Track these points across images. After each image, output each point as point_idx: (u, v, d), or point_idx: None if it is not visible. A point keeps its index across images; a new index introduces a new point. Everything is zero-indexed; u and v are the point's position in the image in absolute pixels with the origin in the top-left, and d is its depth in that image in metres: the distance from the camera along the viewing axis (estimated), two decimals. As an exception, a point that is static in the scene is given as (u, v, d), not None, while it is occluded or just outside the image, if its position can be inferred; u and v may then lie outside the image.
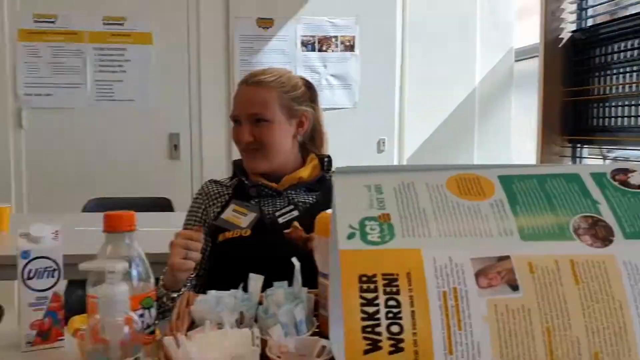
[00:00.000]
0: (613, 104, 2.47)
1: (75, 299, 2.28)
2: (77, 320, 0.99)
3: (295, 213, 1.42)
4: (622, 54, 2.40)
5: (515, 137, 3.76)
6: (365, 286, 0.59)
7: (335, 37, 3.58)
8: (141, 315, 0.78)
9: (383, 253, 0.62)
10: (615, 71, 2.45)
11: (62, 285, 1.08)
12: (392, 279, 0.60)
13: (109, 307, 0.67)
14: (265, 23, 3.52)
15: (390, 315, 0.58)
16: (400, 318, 0.58)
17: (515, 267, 0.61)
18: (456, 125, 3.73)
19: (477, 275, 0.60)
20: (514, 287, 0.60)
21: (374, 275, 0.60)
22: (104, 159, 3.46)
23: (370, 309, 0.58)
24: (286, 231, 1.26)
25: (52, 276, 1.07)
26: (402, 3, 3.66)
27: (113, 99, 3.45)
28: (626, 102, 2.38)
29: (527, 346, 0.57)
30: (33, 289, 1.06)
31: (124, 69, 3.45)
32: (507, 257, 0.61)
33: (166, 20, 3.47)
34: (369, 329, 0.57)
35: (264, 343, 0.76)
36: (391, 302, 0.59)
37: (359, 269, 0.60)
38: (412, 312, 0.58)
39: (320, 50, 3.58)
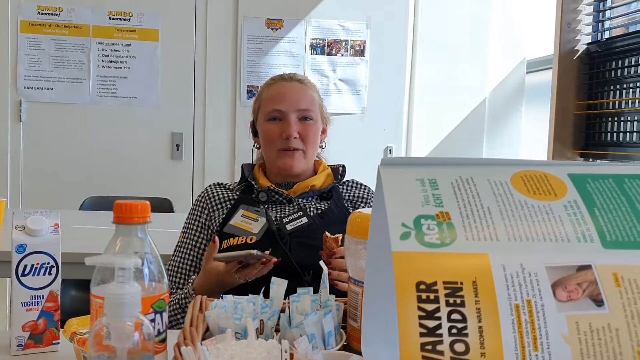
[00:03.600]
0: (628, 118, 2.39)
1: (69, 300, 2.19)
2: (75, 323, 0.90)
3: (304, 220, 1.35)
4: (638, 68, 2.33)
5: (525, 149, 3.68)
6: (424, 295, 0.50)
7: (346, 41, 3.51)
8: (152, 320, 0.69)
9: (444, 257, 0.53)
10: (631, 85, 2.37)
11: (59, 284, 0.99)
12: (456, 288, 0.51)
13: (117, 309, 0.57)
14: (275, 24, 3.44)
15: (454, 331, 0.49)
16: (465, 335, 0.49)
17: (598, 278, 0.52)
18: (465, 135, 3.66)
19: (554, 286, 0.52)
20: (598, 302, 0.51)
21: (434, 283, 0.51)
22: (104, 157, 3.37)
23: (431, 323, 0.49)
24: (326, 234, 1.18)
25: (50, 273, 0.98)
26: (414, 9, 3.59)
27: (116, 96, 3.36)
28: (641, 117, 2.31)
29: (616, 373, 0.48)
30: (27, 287, 0.96)
31: (127, 65, 3.36)
32: (589, 267, 0.53)
33: (173, 17, 3.39)
34: (429, 347, 0.48)
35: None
36: (455, 316, 0.50)
37: (416, 274, 0.51)
38: (480, 327, 0.49)
39: (329, 54, 3.50)
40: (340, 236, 1.19)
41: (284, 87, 1.44)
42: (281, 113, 1.41)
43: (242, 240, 1.34)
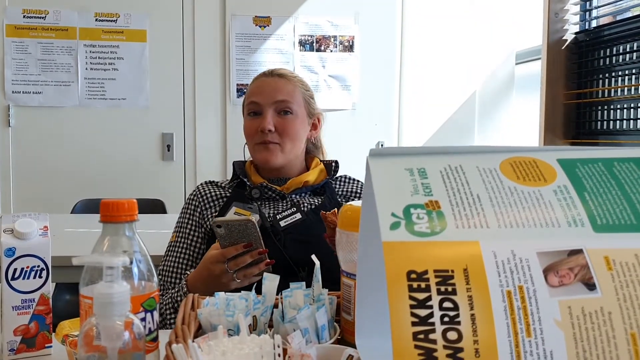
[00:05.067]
0: (618, 106, 2.40)
1: (63, 304, 2.18)
2: (67, 326, 0.89)
3: (298, 216, 1.35)
4: (626, 56, 2.33)
5: (516, 141, 3.69)
6: (415, 285, 0.50)
7: (334, 36, 3.50)
8: (142, 319, 0.68)
9: (434, 245, 0.52)
10: (620, 73, 2.38)
11: (50, 286, 0.98)
12: (447, 276, 0.50)
13: (106, 308, 0.57)
14: (262, 21, 3.43)
15: (447, 319, 0.49)
16: (458, 323, 0.48)
17: (590, 262, 0.52)
18: (456, 127, 3.66)
19: (546, 271, 0.51)
20: (590, 286, 0.51)
21: (425, 272, 0.50)
22: (95, 160, 3.35)
23: (422, 312, 0.49)
24: (323, 212, 1.17)
25: (40, 276, 0.97)
26: (401, 3, 3.58)
27: (104, 98, 3.34)
28: (632, 105, 2.31)
29: (610, 356, 0.48)
30: (18, 291, 0.95)
31: (116, 66, 3.34)
32: (580, 251, 0.52)
33: (160, 17, 3.37)
34: (422, 336, 0.48)
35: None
36: (447, 304, 0.49)
37: (406, 264, 0.51)
38: (472, 315, 0.49)
39: (318, 50, 3.49)
40: (336, 210, 1.19)
41: (263, 81, 1.43)
42: (258, 106, 1.40)
43: None
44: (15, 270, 0.95)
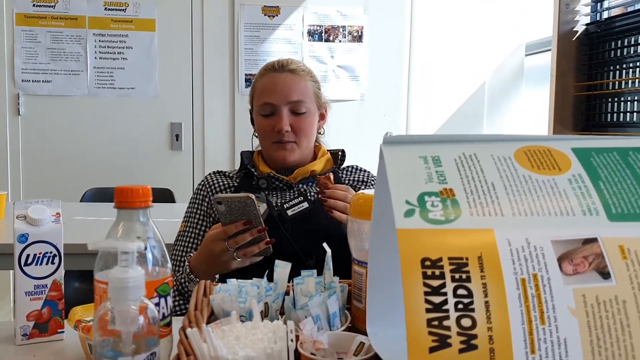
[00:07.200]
0: (628, 98, 2.38)
1: (72, 291, 2.19)
2: (80, 311, 0.90)
3: (305, 205, 1.35)
4: (638, 48, 2.31)
5: (525, 132, 3.66)
6: (429, 272, 0.50)
7: (343, 27, 3.49)
8: (156, 304, 0.69)
9: (448, 233, 0.52)
10: (631, 65, 2.36)
11: (62, 273, 0.99)
12: (461, 264, 0.50)
13: (121, 293, 0.57)
14: (271, 11, 3.42)
15: (461, 306, 0.49)
16: (472, 310, 0.49)
17: (605, 251, 0.52)
18: (465, 119, 3.64)
19: (560, 260, 0.51)
20: (605, 275, 0.51)
21: (440, 259, 0.51)
22: (104, 149, 3.36)
23: (437, 299, 0.49)
24: (319, 176, 1.23)
25: (52, 262, 0.98)
26: (411, -6, 3.57)
27: (113, 87, 3.35)
28: (643, 97, 2.29)
29: (624, 344, 0.48)
30: (31, 276, 0.96)
31: (125, 56, 3.34)
32: (595, 240, 0.52)
33: (169, 6, 3.37)
34: (436, 323, 0.48)
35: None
36: (461, 291, 0.49)
37: (421, 251, 0.51)
38: (486, 302, 0.49)
39: (327, 40, 3.48)
40: (330, 174, 1.26)
41: (275, 78, 1.41)
42: (272, 107, 1.39)
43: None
44: (28, 256, 0.96)
